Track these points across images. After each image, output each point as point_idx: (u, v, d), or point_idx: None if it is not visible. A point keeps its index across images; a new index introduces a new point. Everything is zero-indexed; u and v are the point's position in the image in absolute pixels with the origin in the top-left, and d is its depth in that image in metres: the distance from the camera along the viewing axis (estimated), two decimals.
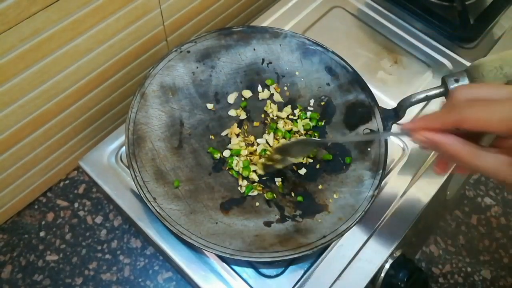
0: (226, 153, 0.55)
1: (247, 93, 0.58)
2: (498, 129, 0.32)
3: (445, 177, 0.57)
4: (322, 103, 0.58)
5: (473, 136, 0.36)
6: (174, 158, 0.52)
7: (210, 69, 0.57)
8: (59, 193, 0.65)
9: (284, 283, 0.49)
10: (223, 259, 0.50)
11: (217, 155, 0.54)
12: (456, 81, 0.47)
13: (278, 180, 0.53)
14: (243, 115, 0.57)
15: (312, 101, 0.58)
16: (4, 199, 0.59)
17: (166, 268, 0.59)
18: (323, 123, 0.57)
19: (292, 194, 0.53)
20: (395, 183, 0.56)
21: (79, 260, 0.60)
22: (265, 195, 0.52)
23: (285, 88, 0.59)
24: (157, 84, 0.54)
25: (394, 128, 0.55)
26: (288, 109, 0.58)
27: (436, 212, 0.71)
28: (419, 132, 0.36)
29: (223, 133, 0.56)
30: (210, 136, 0.55)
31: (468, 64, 0.66)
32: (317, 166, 0.54)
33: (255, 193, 0.52)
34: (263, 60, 0.59)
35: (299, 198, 0.52)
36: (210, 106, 0.57)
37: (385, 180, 0.56)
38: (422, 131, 0.36)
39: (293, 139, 0.55)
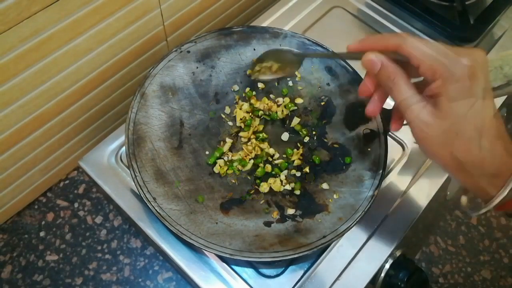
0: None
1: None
2: (426, 66, 0.35)
3: (445, 177, 0.57)
4: (322, 103, 0.58)
5: None
6: (174, 158, 0.52)
7: (210, 69, 0.57)
8: (59, 193, 0.65)
9: (284, 283, 0.49)
10: (223, 259, 0.50)
11: (213, 160, 0.54)
12: None
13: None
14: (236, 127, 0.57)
15: (312, 101, 0.58)
16: (4, 199, 0.59)
17: (166, 268, 0.59)
18: (323, 123, 0.57)
19: (293, 193, 0.53)
20: (395, 183, 0.56)
21: (79, 260, 0.60)
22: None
23: (285, 88, 0.59)
24: (157, 84, 0.54)
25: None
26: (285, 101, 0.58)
27: (436, 212, 0.71)
28: (367, 54, 0.38)
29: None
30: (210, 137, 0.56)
31: None
32: (317, 167, 0.54)
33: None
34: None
35: (296, 192, 0.52)
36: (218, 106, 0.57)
37: (385, 180, 0.56)
38: (369, 51, 0.38)
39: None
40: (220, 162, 0.54)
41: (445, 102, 0.34)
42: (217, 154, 0.54)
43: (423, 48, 0.35)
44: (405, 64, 0.37)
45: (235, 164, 0.54)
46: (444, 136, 0.35)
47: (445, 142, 0.35)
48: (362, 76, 0.55)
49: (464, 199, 0.43)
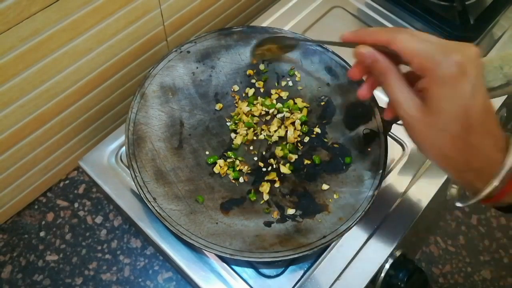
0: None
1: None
2: (417, 63, 0.35)
3: (445, 177, 0.57)
4: (322, 103, 0.58)
5: None
6: (174, 158, 0.52)
7: (210, 69, 0.57)
8: (59, 193, 0.65)
9: (284, 283, 0.49)
10: (223, 259, 0.50)
11: (215, 159, 0.54)
12: None
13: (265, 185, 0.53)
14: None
15: (312, 101, 0.58)
16: (4, 199, 0.59)
17: (166, 268, 0.59)
18: (323, 123, 0.57)
19: (293, 194, 0.53)
20: (395, 183, 0.56)
21: (79, 260, 0.60)
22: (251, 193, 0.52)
23: (285, 88, 0.59)
24: (157, 85, 0.54)
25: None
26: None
27: (436, 212, 0.71)
28: (359, 47, 0.39)
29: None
30: (210, 137, 0.56)
31: None
32: (317, 167, 0.54)
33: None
34: (263, 60, 0.59)
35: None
36: (218, 106, 0.57)
37: (385, 180, 0.56)
38: (361, 43, 0.39)
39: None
40: (220, 162, 0.54)
41: (433, 99, 0.34)
42: (216, 156, 0.54)
43: (413, 45, 0.35)
44: (395, 57, 0.37)
45: (236, 163, 0.54)
46: (432, 132, 0.35)
47: (432, 137, 0.35)
48: None
49: (453, 191, 0.43)
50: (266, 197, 0.52)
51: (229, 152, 0.54)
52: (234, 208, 0.51)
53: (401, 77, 0.37)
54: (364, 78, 0.43)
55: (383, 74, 0.37)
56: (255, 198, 0.52)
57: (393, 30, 0.37)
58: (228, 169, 0.53)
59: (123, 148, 0.57)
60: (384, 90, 0.38)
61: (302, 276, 0.50)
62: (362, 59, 0.39)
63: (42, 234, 0.61)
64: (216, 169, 0.53)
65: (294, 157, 0.55)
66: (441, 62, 0.33)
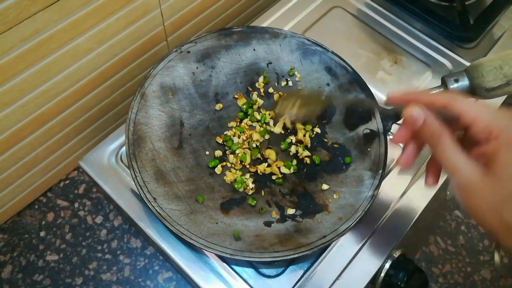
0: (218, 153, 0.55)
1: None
2: (481, 126, 0.33)
3: (445, 177, 0.57)
4: None
5: None
6: (174, 158, 0.52)
7: (210, 69, 0.57)
8: (59, 193, 0.65)
9: (284, 283, 0.49)
10: (223, 259, 0.50)
11: (216, 163, 0.54)
12: (456, 81, 0.47)
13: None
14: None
15: None
16: (4, 199, 0.59)
17: (166, 268, 0.60)
18: (323, 123, 0.57)
19: (292, 193, 0.53)
20: (395, 183, 0.56)
21: (79, 260, 0.60)
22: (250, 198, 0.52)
23: (285, 88, 0.59)
24: (157, 85, 0.54)
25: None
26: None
27: (436, 212, 0.71)
28: (411, 107, 0.37)
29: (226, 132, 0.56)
30: (211, 138, 0.56)
31: (468, 64, 0.66)
32: (317, 167, 0.54)
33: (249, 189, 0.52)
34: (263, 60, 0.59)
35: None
36: (218, 106, 0.57)
37: (385, 180, 0.56)
38: (413, 103, 0.37)
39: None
40: (224, 170, 0.53)
41: (501, 164, 0.32)
42: (217, 160, 0.54)
43: (476, 107, 0.34)
44: (448, 122, 0.36)
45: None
46: (496, 199, 0.32)
47: (496, 205, 0.32)
48: (362, 76, 0.56)
49: (497, 257, 0.42)
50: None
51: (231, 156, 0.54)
52: (234, 208, 0.51)
53: (456, 141, 0.35)
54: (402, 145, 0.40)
55: (437, 137, 0.35)
56: (255, 202, 0.52)
57: (449, 93, 0.35)
58: (241, 183, 0.53)
59: (123, 148, 0.57)
60: (438, 156, 0.36)
61: (302, 276, 0.50)
62: (413, 121, 0.37)
63: (42, 234, 0.61)
64: (218, 170, 0.53)
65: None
66: (508, 126, 0.32)
